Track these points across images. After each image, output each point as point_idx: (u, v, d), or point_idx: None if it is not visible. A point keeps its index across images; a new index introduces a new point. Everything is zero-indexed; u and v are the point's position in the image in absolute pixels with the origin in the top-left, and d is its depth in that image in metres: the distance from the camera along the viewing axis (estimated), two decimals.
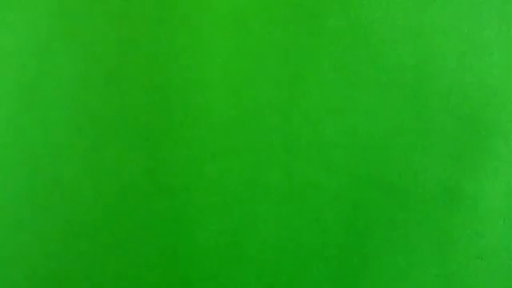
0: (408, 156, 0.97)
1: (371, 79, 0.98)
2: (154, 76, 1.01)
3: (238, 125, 1.00)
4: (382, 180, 0.98)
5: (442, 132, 0.96)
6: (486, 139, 0.96)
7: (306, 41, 0.99)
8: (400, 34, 0.97)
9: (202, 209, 1.00)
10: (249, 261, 0.98)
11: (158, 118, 1.01)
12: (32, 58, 1.01)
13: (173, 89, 1.01)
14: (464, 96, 0.96)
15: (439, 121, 0.97)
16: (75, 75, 1.01)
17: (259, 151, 0.99)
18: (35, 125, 1.01)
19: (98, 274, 1.00)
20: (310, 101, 0.99)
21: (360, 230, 0.98)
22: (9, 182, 1.03)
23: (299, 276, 0.98)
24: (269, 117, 0.99)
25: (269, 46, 0.99)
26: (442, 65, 0.97)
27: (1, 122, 1.02)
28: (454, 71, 0.97)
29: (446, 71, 0.97)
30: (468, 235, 0.95)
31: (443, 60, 0.96)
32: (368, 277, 0.96)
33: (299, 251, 0.98)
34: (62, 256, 1.00)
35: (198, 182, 1.00)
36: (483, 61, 0.96)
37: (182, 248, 1.00)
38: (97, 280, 1.00)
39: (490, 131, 0.96)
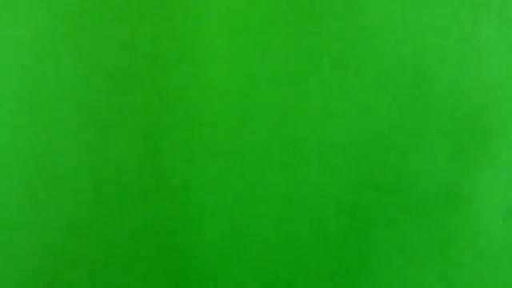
0: (408, 156, 0.97)
1: (371, 79, 0.98)
2: (154, 76, 1.01)
3: (238, 124, 1.00)
4: (381, 180, 0.98)
5: (441, 132, 0.97)
6: (486, 139, 0.96)
7: (306, 41, 0.99)
8: (400, 33, 0.97)
9: (201, 209, 1.00)
10: (249, 261, 0.98)
11: (159, 118, 1.01)
12: (32, 58, 1.02)
13: (173, 89, 1.01)
14: (464, 96, 0.96)
15: (439, 121, 0.97)
16: (75, 75, 1.02)
17: (259, 151, 1.00)
18: (35, 125, 1.02)
19: (98, 273, 1.00)
20: (310, 101, 0.99)
21: (360, 229, 0.98)
22: (9, 182, 1.03)
23: (299, 276, 0.98)
24: (269, 117, 0.99)
25: (269, 46, 0.99)
26: (442, 65, 0.97)
27: (1, 122, 1.02)
28: (454, 71, 0.97)
29: (446, 71, 0.97)
30: (468, 235, 0.95)
31: (443, 60, 0.96)
32: (368, 277, 0.96)
33: (299, 251, 0.98)
34: (62, 256, 1.00)
35: (198, 182, 1.00)
36: (483, 61, 0.96)
37: (181, 248, 1.00)
38: (97, 280, 1.00)
39: (489, 131, 0.96)
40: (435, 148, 0.96)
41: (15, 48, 1.00)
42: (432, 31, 0.96)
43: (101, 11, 1.00)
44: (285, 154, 0.99)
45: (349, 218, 0.98)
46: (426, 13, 0.97)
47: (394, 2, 0.97)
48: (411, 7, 0.97)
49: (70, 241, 1.00)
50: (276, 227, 0.99)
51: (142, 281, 1.00)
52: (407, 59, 0.97)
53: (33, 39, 1.00)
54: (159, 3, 1.00)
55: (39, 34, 1.00)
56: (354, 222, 0.99)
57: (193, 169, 1.00)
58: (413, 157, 0.97)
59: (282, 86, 0.99)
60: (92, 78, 1.01)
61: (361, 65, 0.98)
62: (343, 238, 0.97)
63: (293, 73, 0.98)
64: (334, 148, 0.99)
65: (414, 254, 0.95)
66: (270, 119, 0.99)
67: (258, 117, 0.99)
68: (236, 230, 0.99)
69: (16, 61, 1.00)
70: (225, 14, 0.99)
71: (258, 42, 0.98)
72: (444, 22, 0.96)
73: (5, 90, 1.00)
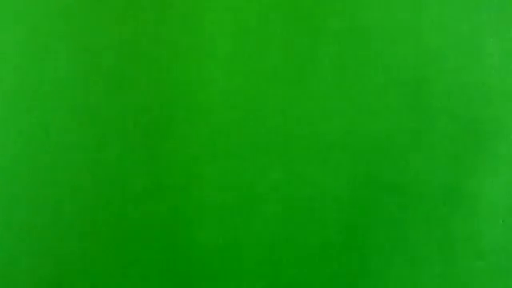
0: (408, 156, 0.97)
1: (371, 79, 0.98)
2: (154, 76, 1.01)
3: (238, 125, 1.00)
4: (381, 180, 0.98)
5: (441, 132, 0.96)
6: (486, 139, 0.96)
7: (306, 41, 0.99)
8: (400, 33, 0.97)
9: (201, 209, 1.00)
10: (249, 261, 0.98)
11: (158, 118, 1.01)
12: (32, 58, 1.01)
13: (173, 88, 1.01)
14: (464, 96, 0.96)
15: (439, 121, 0.97)
16: (75, 75, 1.01)
17: (259, 151, 0.99)
18: (35, 125, 1.01)
19: (98, 274, 1.00)
20: (310, 101, 0.99)
21: (360, 229, 0.98)
22: (9, 182, 1.03)
23: (299, 276, 0.98)
24: (269, 117, 0.99)
25: (269, 46, 0.99)
26: (442, 65, 0.97)
27: (1, 122, 1.02)
28: (454, 71, 0.97)
29: (446, 71, 0.97)
30: (468, 235, 0.95)
31: (443, 60, 0.96)
32: (368, 277, 0.96)
33: (299, 251, 0.98)
34: (62, 256, 1.00)
35: (198, 182, 1.00)
36: (483, 61, 0.96)
37: (181, 248, 1.00)
38: (97, 280, 1.00)
39: (489, 131, 0.96)
40: (436, 148, 0.96)
41: (14, 48, 1.00)
42: (432, 31, 0.96)
43: (100, 11, 1.00)
44: (285, 153, 0.99)
45: (349, 218, 0.98)
46: (426, 13, 0.97)
47: (393, 2, 0.97)
48: (411, 7, 0.97)
49: (69, 241, 1.00)
50: (276, 227, 0.99)
51: (142, 281, 1.00)
52: (407, 59, 0.97)
53: (32, 39, 1.00)
54: (159, 3, 1.00)
55: (38, 34, 1.00)
56: (354, 222, 0.99)
57: (193, 169, 1.00)
58: (413, 157, 0.97)
59: (282, 86, 0.99)
60: (91, 77, 1.01)
61: (361, 65, 0.98)
62: (343, 237, 0.97)
63: (293, 73, 0.98)
64: (334, 148, 0.99)
65: (414, 254, 0.95)
66: (270, 119, 0.99)
67: (258, 117, 0.99)
68: (236, 230, 0.99)
69: (15, 60, 1.00)
70: (225, 13, 0.99)
71: (258, 42, 0.98)
72: (444, 22, 0.96)
73: (4, 90, 1.00)
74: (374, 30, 0.97)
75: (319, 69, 0.98)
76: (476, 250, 0.95)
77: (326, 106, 0.98)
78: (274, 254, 0.99)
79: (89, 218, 1.01)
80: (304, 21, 0.98)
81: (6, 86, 1.01)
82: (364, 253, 0.96)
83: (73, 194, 1.00)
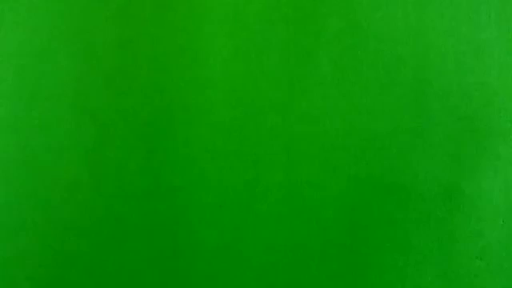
0: (408, 156, 0.97)
1: (371, 79, 0.98)
2: (153, 76, 1.01)
3: (238, 125, 1.00)
4: (381, 180, 0.98)
5: (442, 132, 0.96)
6: (486, 139, 0.96)
7: (306, 41, 0.99)
8: (400, 33, 0.97)
9: (202, 208, 1.00)
10: (249, 261, 0.98)
11: (158, 118, 1.01)
12: (32, 58, 1.01)
13: (173, 89, 1.01)
14: (464, 96, 0.96)
15: (439, 121, 0.97)
16: (75, 75, 1.01)
17: (259, 151, 0.99)
18: (35, 125, 1.01)
19: (98, 273, 1.00)
20: (309, 101, 0.99)
21: (360, 229, 0.98)
22: (9, 182, 1.03)
23: (299, 276, 0.98)
24: (269, 117, 0.99)
25: (269, 46, 0.99)
26: (442, 65, 0.97)
27: (1, 122, 1.02)
28: (454, 71, 0.97)
29: (446, 71, 0.97)
30: (468, 235, 0.95)
31: (443, 60, 0.96)
32: (368, 277, 0.96)
33: (299, 251, 0.98)
34: (62, 256, 1.00)
35: (198, 182, 1.00)
36: (483, 61, 0.96)
37: (181, 248, 1.00)
38: (97, 280, 1.00)
39: (489, 131, 0.96)
40: (435, 148, 0.96)
41: (15, 48, 1.00)
42: (432, 31, 0.96)
43: (100, 11, 1.00)
44: (285, 153, 0.99)
45: (349, 218, 0.98)
46: (426, 13, 0.97)
47: (393, 2, 0.97)
48: (411, 7, 0.97)
49: (69, 240, 1.00)
50: (276, 227, 0.99)
51: (142, 280, 1.00)
52: (407, 59, 0.97)
53: (32, 39, 1.00)
54: (159, 3, 1.00)
55: (39, 34, 1.00)
56: (354, 222, 0.99)
57: (193, 169, 1.00)
58: (413, 157, 0.97)
59: (282, 86, 0.99)
60: (92, 78, 1.01)
61: (361, 65, 0.98)
62: (343, 237, 0.98)
63: (293, 73, 0.98)
64: (334, 148, 0.98)
65: (414, 254, 0.95)
66: (270, 119, 0.99)
67: (258, 117, 0.99)
68: (236, 230, 0.99)
69: (15, 61, 1.00)
70: (225, 13, 0.99)
71: (258, 42, 0.98)
72: (444, 22, 0.96)
73: (4, 90, 1.00)
74: (374, 30, 0.97)
75: (319, 69, 0.98)
76: (476, 249, 0.95)
77: (326, 105, 0.98)
78: (274, 253, 0.99)
79: (89, 218, 1.01)
80: (304, 21, 0.98)
81: (6, 86, 1.01)
82: (364, 252, 0.96)
83: (73, 194, 1.00)
